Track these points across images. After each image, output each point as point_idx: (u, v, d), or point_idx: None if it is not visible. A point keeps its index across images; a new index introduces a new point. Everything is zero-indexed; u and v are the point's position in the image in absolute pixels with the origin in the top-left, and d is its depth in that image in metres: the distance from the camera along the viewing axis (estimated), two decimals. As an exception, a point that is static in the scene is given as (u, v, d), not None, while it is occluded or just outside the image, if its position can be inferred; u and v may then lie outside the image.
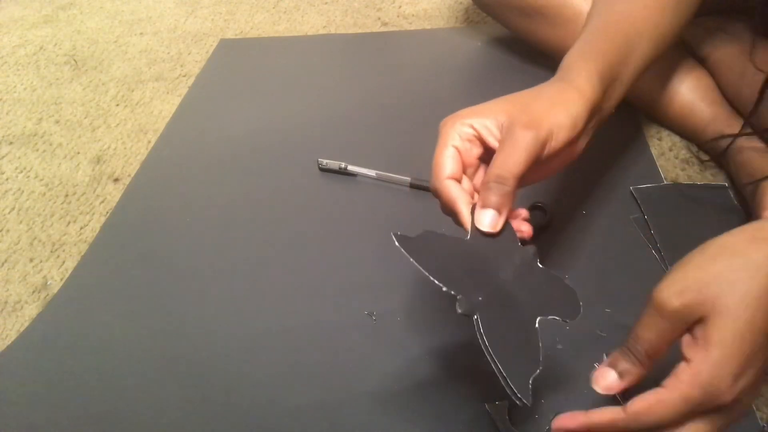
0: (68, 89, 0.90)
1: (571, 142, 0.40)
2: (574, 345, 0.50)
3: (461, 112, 0.40)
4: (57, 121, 0.84)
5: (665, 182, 0.64)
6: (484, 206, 0.37)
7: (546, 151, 0.38)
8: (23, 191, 0.73)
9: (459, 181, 0.40)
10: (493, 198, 0.37)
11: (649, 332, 0.34)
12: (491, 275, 0.37)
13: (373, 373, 0.50)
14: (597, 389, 0.36)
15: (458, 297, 0.35)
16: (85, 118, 0.84)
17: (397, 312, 0.54)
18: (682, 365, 0.32)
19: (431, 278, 0.35)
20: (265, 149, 0.74)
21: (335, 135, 0.75)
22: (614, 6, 0.50)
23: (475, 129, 0.39)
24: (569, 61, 0.44)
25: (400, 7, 1.02)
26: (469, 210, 0.38)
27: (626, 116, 0.72)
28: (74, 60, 0.97)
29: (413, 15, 1.00)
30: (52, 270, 0.63)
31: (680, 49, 0.70)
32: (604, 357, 0.47)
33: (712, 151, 0.66)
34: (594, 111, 0.42)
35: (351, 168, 0.68)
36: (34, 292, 0.61)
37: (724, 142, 0.62)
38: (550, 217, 0.59)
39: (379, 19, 1.00)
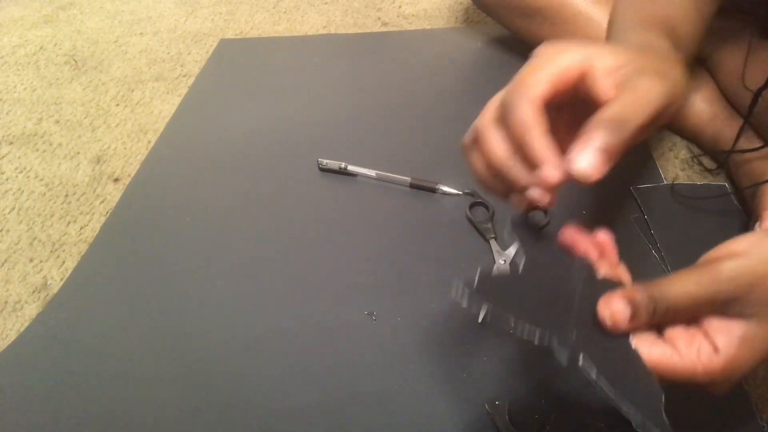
0: (68, 89, 0.90)
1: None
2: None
3: (569, 42, 0.33)
4: (57, 121, 0.84)
5: (665, 182, 0.64)
6: (588, 143, 0.29)
7: (670, 110, 0.33)
8: (23, 191, 0.73)
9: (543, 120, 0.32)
10: (606, 137, 0.29)
11: (684, 297, 0.30)
12: (565, 305, 0.32)
13: (373, 373, 0.50)
14: (602, 311, 0.32)
15: (554, 343, 0.30)
16: (85, 118, 0.84)
17: (397, 312, 0.54)
18: (707, 347, 0.31)
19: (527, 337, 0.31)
20: (265, 149, 0.74)
21: (335, 135, 0.75)
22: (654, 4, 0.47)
23: (587, 64, 0.32)
24: (635, 36, 0.40)
25: (400, 7, 1.02)
26: (548, 143, 0.30)
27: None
28: (74, 60, 0.97)
29: (413, 15, 1.00)
30: (52, 270, 0.63)
31: None
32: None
33: (711, 151, 0.66)
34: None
35: (351, 168, 0.68)
36: (34, 292, 0.61)
37: (724, 143, 0.62)
38: (550, 218, 0.59)
39: (379, 19, 1.00)
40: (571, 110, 0.35)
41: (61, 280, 0.61)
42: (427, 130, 0.75)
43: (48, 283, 0.61)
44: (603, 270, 0.35)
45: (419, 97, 0.80)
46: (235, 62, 0.92)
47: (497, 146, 0.33)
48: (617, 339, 0.32)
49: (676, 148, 0.69)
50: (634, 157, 0.67)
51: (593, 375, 0.30)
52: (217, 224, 0.65)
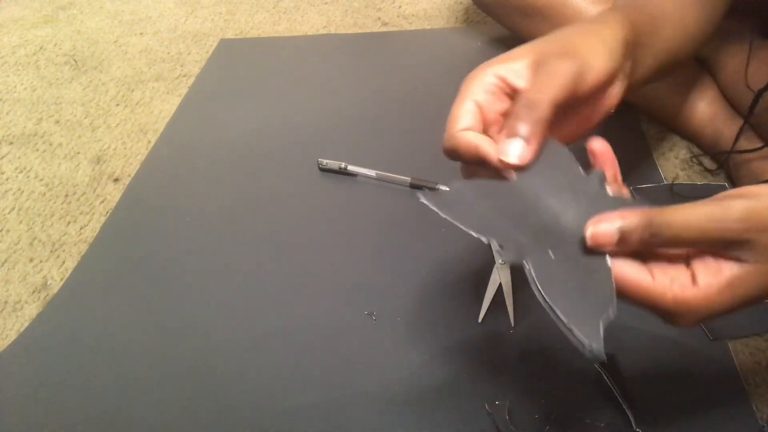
0: (68, 89, 0.90)
1: (609, 79, 0.36)
2: (573, 344, 0.50)
3: (487, 62, 0.36)
4: (57, 121, 0.84)
5: (665, 182, 0.64)
6: (510, 135, 0.32)
7: (584, 84, 0.34)
8: (23, 191, 0.73)
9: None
10: (522, 126, 0.32)
11: (693, 228, 0.29)
12: (542, 214, 0.32)
13: (373, 373, 0.50)
14: (591, 229, 0.31)
15: (499, 245, 0.31)
16: (85, 118, 0.84)
17: (397, 312, 0.54)
18: (686, 277, 0.30)
19: (464, 228, 0.31)
20: (265, 149, 0.74)
21: (335, 135, 0.75)
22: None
23: (500, 78, 0.35)
24: (597, 15, 0.41)
25: (400, 7, 1.02)
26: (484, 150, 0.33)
27: (627, 116, 0.72)
28: (74, 60, 0.97)
29: (413, 15, 1.00)
30: (52, 270, 0.63)
31: None
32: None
33: (711, 151, 0.66)
34: (628, 51, 0.38)
35: (351, 168, 0.68)
36: (34, 292, 0.61)
37: (724, 143, 0.62)
38: None
39: (379, 19, 1.00)
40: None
41: (61, 280, 0.61)
42: (427, 130, 0.74)
43: (48, 283, 0.61)
44: (613, 189, 0.34)
45: (419, 97, 0.80)
46: (235, 62, 0.92)
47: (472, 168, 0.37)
48: (585, 255, 0.31)
49: (676, 148, 0.69)
50: (634, 157, 0.67)
51: (530, 280, 0.30)
52: (217, 224, 0.65)
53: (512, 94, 0.35)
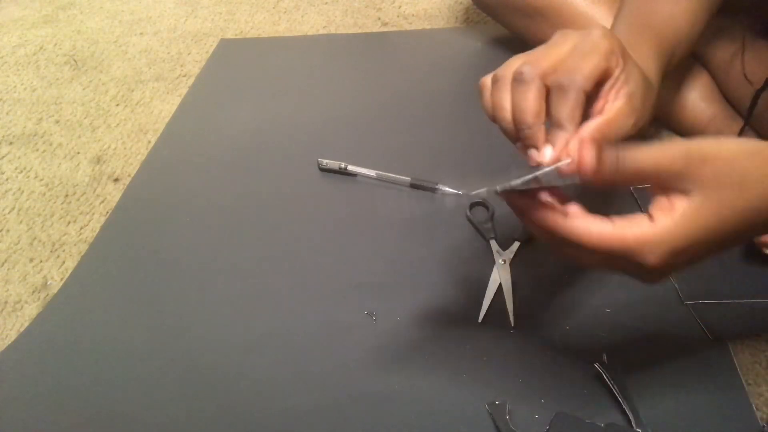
0: (68, 89, 0.90)
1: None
2: (573, 344, 0.50)
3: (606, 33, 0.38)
4: (57, 121, 0.84)
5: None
6: (585, 149, 0.33)
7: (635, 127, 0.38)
8: (23, 191, 0.73)
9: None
10: (593, 150, 0.33)
11: (648, 160, 0.32)
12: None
13: (373, 373, 0.50)
14: (576, 152, 0.33)
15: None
16: (85, 118, 0.84)
17: (397, 312, 0.54)
18: (644, 219, 0.33)
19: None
20: (265, 149, 0.74)
21: (335, 135, 0.75)
22: (655, 6, 0.51)
23: (614, 70, 0.37)
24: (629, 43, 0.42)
25: (400, 7, 1.02)
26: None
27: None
28: (74, 60, 0.97)
29: (413, 15, 1.00)
30: (52, 270, 0.63)
31: None
32: (604, 357, 0.47)
33: None
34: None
35: (351, 168, 0.68)
36: (34, 292, 0.61)
37: None
38: None
39: (379, 19, 1.00)
40: None
41: (61, 280, 0.61)
42: (427, 130, 0.75)
43: (48, 283, 0.61)
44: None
45: (419, 97, 0.80)
46: (235, 62, 0.92)
47: (533, 102, 0.36)
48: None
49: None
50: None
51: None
52: (217, 224, 0.65)
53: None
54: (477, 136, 0.70)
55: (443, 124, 0.75)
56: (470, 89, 0.81)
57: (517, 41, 0.82)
